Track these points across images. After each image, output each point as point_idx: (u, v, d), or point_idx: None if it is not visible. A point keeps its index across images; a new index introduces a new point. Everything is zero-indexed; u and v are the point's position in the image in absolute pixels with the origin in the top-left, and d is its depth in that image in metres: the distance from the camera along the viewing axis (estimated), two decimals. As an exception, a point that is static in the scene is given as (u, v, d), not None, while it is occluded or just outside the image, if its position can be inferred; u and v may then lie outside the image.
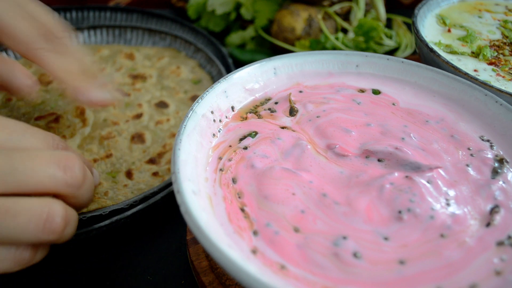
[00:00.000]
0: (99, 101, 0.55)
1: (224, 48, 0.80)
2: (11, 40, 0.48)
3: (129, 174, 0.57)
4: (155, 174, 0.57)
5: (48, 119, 0.64)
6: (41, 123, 0.63)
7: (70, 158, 0.37)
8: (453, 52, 0.63)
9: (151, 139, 0.63)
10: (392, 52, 0.85)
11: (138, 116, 0.67)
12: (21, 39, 0.48)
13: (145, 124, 0.66)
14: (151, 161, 0.59)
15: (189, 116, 0.42)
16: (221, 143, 0.44)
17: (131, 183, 0.56)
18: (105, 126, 0.64)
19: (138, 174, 0.57)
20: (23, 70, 0.54)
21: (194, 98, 0.71)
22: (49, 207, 0.35)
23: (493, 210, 0.38)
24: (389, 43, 0.83)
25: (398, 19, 0.91)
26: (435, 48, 0.62)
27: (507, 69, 0.60)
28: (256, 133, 0.46)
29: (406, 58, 0.62)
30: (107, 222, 0.49)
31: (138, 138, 0.63)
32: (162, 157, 0.60)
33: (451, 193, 0.39)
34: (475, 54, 0.62)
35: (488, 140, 0.46)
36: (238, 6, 0.90)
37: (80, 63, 0.54)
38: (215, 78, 0.75)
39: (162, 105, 0.69)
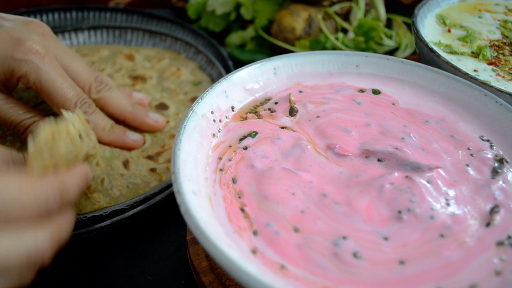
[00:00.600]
0: (155, 123, 0.62)
1: (224, 51, 0.80)
2: (55, 106, 0.54)
3: (126, 164, 0.57)
4: (152, 170, 0.57)
5: None
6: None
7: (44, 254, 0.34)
8: (453, 52, 0.63)
9: (150, 140, 0.63)
10: (392, 52, 0.85)
11: None
12: (66, 105, 0.54)
13: None
14: (149, 157, 0.59)
15: (189, 116, 0.42)
16: (221, 143, 0.45)
17: (127, 173, 0.56)
18: None
19: (135, 166, 0.57)
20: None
21: (194, 100, 0.71)
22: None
23: (493, 210, 0.38)
24: (389, 43, 0.83)
25: (398, 19, 0.91)
26: (435, 48, 0.62)
27: (507, 69, 0.60)
28: (256, 133, 0.46)
29: (406, 58, 0.62)
30: (107, 222, 0.49)
31: None
32: (160, 155, 0.60)
33: (451, 193, 0.39)
34: (475, 54, 0.62)
35: (488, 140, 0.46)
36: (238, 6, 0.90)
37: (127, 98, 0.61)
38: (215, 80, 0.75)
39: (162, 106, 0.69)
